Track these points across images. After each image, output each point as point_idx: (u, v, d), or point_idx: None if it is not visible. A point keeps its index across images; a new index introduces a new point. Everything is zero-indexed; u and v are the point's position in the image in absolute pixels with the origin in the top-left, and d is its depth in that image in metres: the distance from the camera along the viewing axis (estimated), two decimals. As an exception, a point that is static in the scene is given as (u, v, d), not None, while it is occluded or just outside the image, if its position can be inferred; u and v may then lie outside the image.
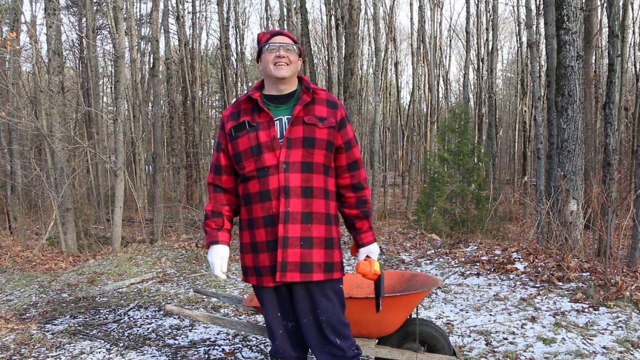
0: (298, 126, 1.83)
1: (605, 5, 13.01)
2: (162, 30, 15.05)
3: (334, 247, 1.89)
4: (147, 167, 18.24)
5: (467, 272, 4.91)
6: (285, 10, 14.34)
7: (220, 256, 1.93)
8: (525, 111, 20.08)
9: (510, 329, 3.30)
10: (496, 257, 5.20)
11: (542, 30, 13.35)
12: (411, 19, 21.52)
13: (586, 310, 3.54)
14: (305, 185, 1.82)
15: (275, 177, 1.81)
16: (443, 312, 3.75)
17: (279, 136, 1.84)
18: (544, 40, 10.31)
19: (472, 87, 24.21)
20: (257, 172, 1.84)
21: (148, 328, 3.73)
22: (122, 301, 4.63)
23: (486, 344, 3.08)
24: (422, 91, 23.08)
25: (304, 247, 1.82)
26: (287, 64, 1.84)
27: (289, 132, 1.83)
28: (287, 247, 1.81)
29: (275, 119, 1.86)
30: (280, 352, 1.96)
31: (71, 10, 19.50)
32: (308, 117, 1.85)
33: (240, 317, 3.91)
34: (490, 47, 17.57)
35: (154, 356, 3.12)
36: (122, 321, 3.95)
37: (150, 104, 14.45)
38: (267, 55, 1.86)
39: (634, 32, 15.59)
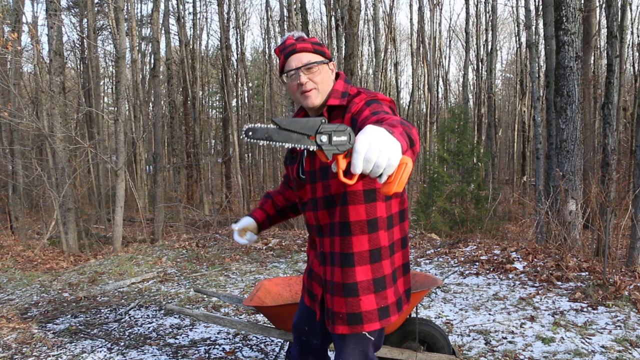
0: (314, 155, 1.60)
1: (604, 6, 13.03)
2: (163, 31, 15.07)
3: (359, 294, 1.57)
4: (147, 167, 18.24)
5: (467, 272, 4.93)
6: (285, 10, 14.36)
7: (240, 224, 1.96)
8: (524, 111, 20.11)
9: (510, 328, 3.32)
10: (495, 257, 5.22)
11: (541, 31, 13.37)
12: (411, 19, 21.56)
13: (585, 309, 3.56)
14: (328, 222, 1.61)
15: (309, 214, 1.67)
16: (442, 312, 3.77)
17: (302, 170, 1.67)
18: (543, 41, 10.31)
19: (472, 88, 24.23)
20: (301, 206, 1.74)
21: (149, 327, 3.75)
22: (123, 301, 4.65)
23: (485, 343, 3.10)
24: (421, 91, 23.09)
25: (345, 295, 1.59)
26: (314, 88, 1.57)
27: (307, 164, 1.63)
28: (330, 294, 1.62)
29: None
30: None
31: (72, 11, 19.53)
32: None
33: (240, 317, 3.93)
34: (489, 47, 17.59)
35: (154, 355, 3.14)
36: (123, 320, 3.97)
37: (150, 104, 14.49)
38: (289, 83, 1.61)
39: (632, 33, 15.62)
